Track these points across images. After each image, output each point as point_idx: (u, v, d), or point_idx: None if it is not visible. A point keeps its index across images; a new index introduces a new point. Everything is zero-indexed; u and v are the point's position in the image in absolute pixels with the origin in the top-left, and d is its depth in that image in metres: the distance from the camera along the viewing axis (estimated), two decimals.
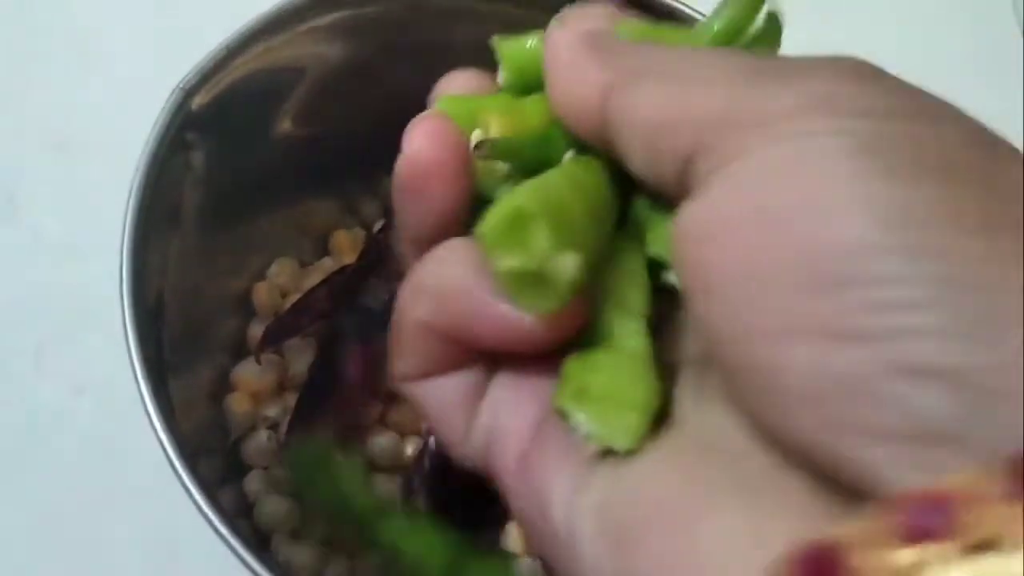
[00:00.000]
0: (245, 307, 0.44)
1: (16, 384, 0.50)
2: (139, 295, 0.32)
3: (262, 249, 0.45)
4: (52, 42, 0.59)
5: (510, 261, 0.20)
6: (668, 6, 0.39)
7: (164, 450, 0.30)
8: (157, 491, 0.46)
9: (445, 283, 0.22)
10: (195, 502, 0.30)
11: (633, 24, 0.23)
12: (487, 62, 0.41)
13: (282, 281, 0.44)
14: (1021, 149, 0.17)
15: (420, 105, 0.43)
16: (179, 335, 0.36)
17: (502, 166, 0.23)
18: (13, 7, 0.60)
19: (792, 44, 0.37)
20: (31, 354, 0.51)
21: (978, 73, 0.65)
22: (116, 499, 0.48)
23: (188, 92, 0.34)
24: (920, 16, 0.68)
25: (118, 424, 0.48)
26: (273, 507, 0.38)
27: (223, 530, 0.29)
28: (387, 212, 0.45)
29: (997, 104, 0.61)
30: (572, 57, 0.21)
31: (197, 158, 0.36)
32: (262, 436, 0.40)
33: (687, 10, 0.38)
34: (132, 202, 0.33)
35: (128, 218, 0.32)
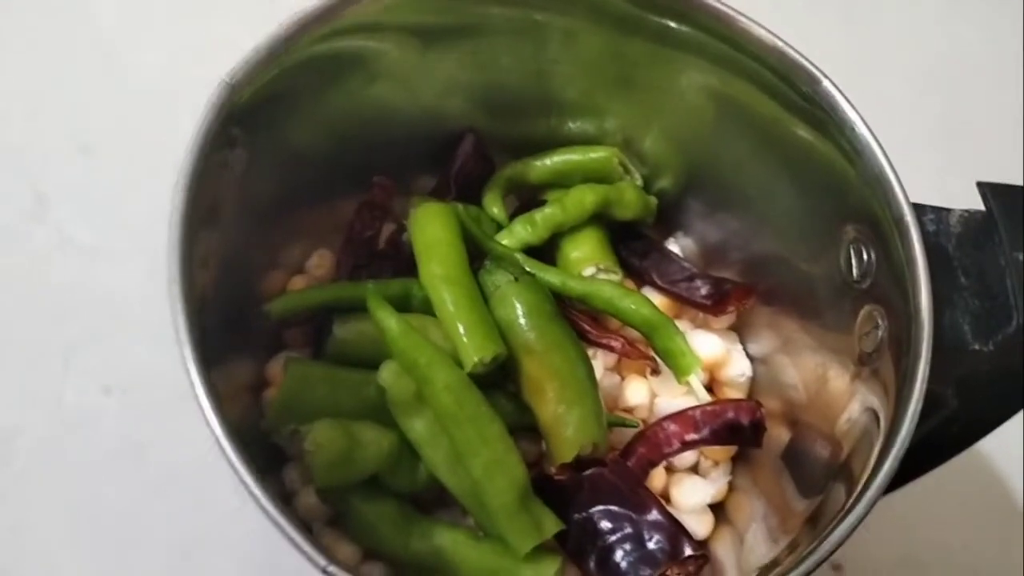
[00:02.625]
0: None
1: (46, 384, 0.51)
2: (185, 289, 0.32)
3: (301, 242, 0.45)
4: (77, 47, 0.60)
5: None
6: None
7: (217, 439, 0.30)
8: (185, 487, 0.47)
9: None
10: (244, 484, 0.30)
11: None
12: (525, 41, 0.42)
13: (321, 273, 0.45)
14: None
15: (458, 102, 0.45)
16: (220, 329, 0.37)
17: None
18: (39, 13, 0.61)
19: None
20: (60, 354, 0.52)
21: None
22: (144, 495, 0.48)
23: (234, 87, 0.34)
24: (941, 25, 0.68)
25: (146, 422, 0.49)
26: (313, 498, 0.38)
27: (274, 514, 0.29)
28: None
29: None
30: None
31: (240, 153, 0.37)
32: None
33: None
34: (178, 195, 0.33)
35: (174, 212, 0.33)
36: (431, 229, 0.41)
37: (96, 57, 0.60)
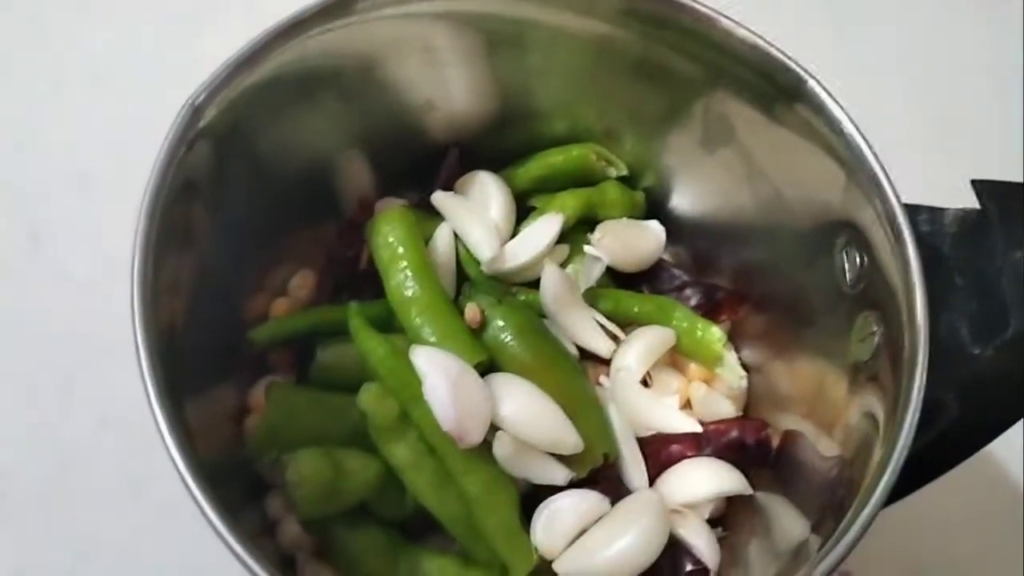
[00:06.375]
0: None
1: (43, 418, 0.50)
2: (152, 317, 0.32)
3: (282, 264, 0.44)
4: (70, 77, 0.59)
5: None
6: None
7: (179, 473, 0.29)
8: (185, 519, 0.46)
9: None
10: (211, 523, 0.29)
11: None
12: (506, 52, 0.41)
13: (303, 295, 0.43)
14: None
15: (431, 116, 0.44)
16: (199, 356, 0.36)
17: None
18: (30, 43, 0.60)
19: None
20: (57, 388, 0.51)
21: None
22: (144, 529, 0.47)
23: (199, 108, 0.33)
24: (930, 24, 0.67)
25: (144, 455, 0.48)
26: (296, 527, 0.38)
27: (239, 550, 0.28)
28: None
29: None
30: None
31: (207, 175, 0.36)
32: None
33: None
34: (141, 222, 0.32)
35: (138, 237, 0.32)
36: (393, 236, 0.40)
37: (88, 85, 0.59)
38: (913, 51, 0.66)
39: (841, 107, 0.35)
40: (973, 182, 0.35)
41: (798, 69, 0.36)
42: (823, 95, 0.36)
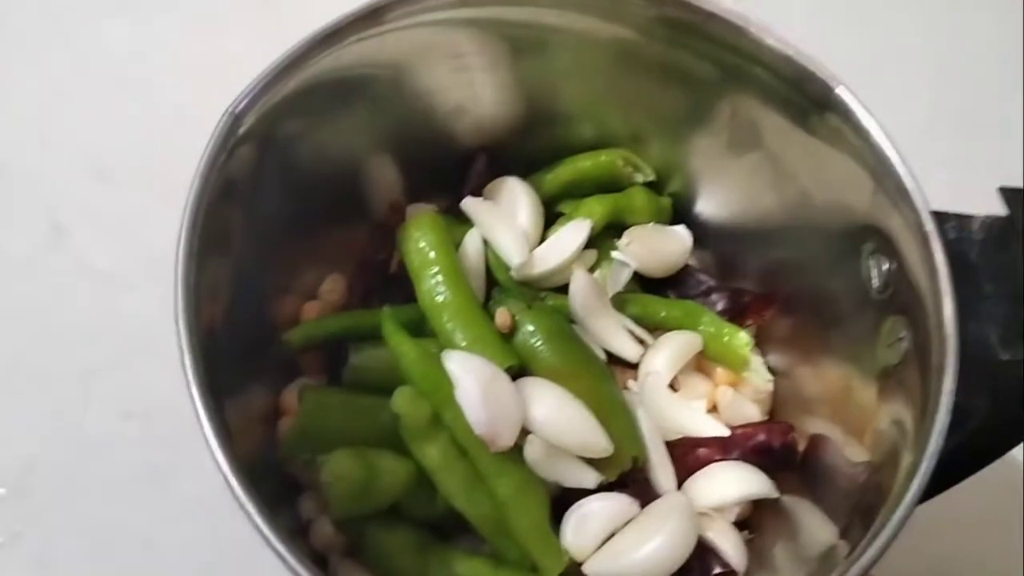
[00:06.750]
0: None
1: (65, 412, 0.51)
2: (192, 318, 0.32)
3: (313, 267, 0.44)
4: (92, 72, 0.60)
5: None
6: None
7: (222, 473, 0.30)
8: (205, 513, 0.47)
9: None
10: (253, 523, 0.29)
11: None
12: (533, 57, 0.42)
13: (334, 298, 0.44)
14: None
15: (460, 121, 0.44)
16: (233, 357, 0.36)
17: None
18: (51, 38, 0.61)
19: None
20: (79, 381, 0.51)
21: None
22: (164, 523, 0.48)
23: (238, 116, 0.34)
24: (938, 22, 0.67)
25: (168, 449, 0.49)
26: (329, 527, 0.38)
27: (281, 549, 0.29)
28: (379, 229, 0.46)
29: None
30: None
31: (244, 181, 0.36)
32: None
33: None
34: (185, 225, 0.33)
35: (181, 242, 0.32)
36: (424, 242, 0.41)
37: (109, 82, 0.60)
38: (932, 54, 0.66)
39: (871, 114, 0.35)
40: (1001, 189, 0.35)
41: (827, 76, 0.36)
42: (852, 102, 0.36)
